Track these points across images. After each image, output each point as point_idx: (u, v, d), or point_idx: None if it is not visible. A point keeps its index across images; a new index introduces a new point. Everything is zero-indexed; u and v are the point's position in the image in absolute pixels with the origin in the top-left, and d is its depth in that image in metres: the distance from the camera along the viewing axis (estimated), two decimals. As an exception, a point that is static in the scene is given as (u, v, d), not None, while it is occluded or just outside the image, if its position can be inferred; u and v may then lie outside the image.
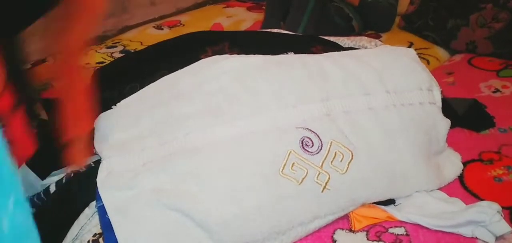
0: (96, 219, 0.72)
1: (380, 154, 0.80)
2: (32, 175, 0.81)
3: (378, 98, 0.84)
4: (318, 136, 0.79)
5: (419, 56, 1.00)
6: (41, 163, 0.78)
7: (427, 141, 0.86)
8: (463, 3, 1.42)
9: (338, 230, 0.79)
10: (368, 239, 0.77)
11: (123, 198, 0.71)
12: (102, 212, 0.71)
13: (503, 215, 0.77)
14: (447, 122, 0.90)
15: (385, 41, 1.54)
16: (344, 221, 0.80)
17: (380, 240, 0.76)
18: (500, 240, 0.76)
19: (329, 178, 0.76)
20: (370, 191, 0.80)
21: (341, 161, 0.78)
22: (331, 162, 0.77)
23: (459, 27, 1.41)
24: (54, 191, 0.79)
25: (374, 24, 1.62)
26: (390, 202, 0.83)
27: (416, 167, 0.82)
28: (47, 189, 0.79)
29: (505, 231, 0.75)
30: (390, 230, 0.78)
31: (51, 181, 0.81)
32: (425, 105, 0.87)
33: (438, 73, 1.27)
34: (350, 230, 0.79)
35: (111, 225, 0.69)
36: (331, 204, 0.77)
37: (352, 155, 0.78)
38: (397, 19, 1.64)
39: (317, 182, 0.76)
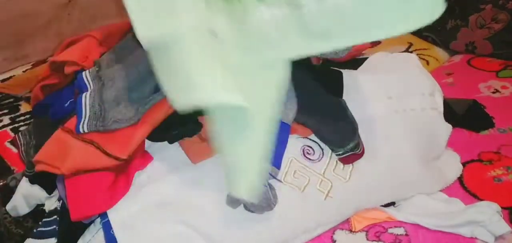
0: (101, 235, 0.72)
1: (382, 161, 0.80)
2: (37, 189, 0.82)
3: (380, 105, 0.84)
4: (319, 144, 0.79)
5: (418, 57, 1.00)
6: (47, 177, 0.77)
7: (428, 146, 0.86)
8: (462, 3, 1.43)
9: (338, 230, 0.79)
10: (367, 239, 0.77)
11: (128, 213, 0.70)
12: (107, 227, 0.70)
13: (502, 215, 0.77)
14: (448, 128, 0.91)
15: (385, 41, 1.53)
16: (344, 222, 0.80)
17: (379, 240, 0.77)
18: (499, 240, 0.76)
19: (331, 186, 0.76)
20: (373, 197, 0.80)
21: (343, 169, 0.78)
22: (333, 170, 0.77)
23: (458, 27, 1.41)
24: (59, 207, 0.79)
25: (373, 24, 1.62)
26: (390, 203, 0.83)
27: (418, 172, 0.82)
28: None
29: (504, 231, 0.75)
30: (390, 230, 0.78)
31: (56, 194, 0.81)
32: (427, 110, 0.87)
33: (437, 74, 1.27)
34: (350, 231, 0.79)
35: (116, 241, 0.69)
36: (334, 212, 0.77)
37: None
38: (397, 20, 1.64)
39: (319, 190, 0.75)
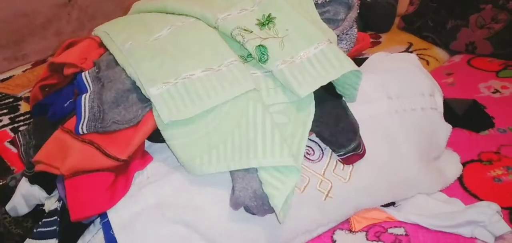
0: (101, 236, 0.72)
1: (382, 161, 0.80)
2: (37, 189, 0.82)
3: (380, 105, 0.84)
4: (319, 145, 0.79)
5: (418, 57, 1.00)
6: (47, 177, 0.77)
7: (428, 146, 0.86)
8: (462, 3, 1.43)
9: (338, 230, 0.79)
10: (367, 239, 0.77)
11: (128, 214, 0.70)
12: (106, 228, 0.70)
13: (502, 215, 0.77)
14: (448, 128, 0.91)
15: (385, 41, 1.54)
16: (344, 222, 0.80)
17: (379, 240, 0.77)
18: (499, 240, 0.76)
19: (331, 186, 0.76)
20: (373, 198, 0.80)
21: (343, 169, 0.78)
22: (333, 170, 0.77)
23: (458, 27, 1.41)
24: (59, 207, 0.79)
25: (373, 24, 1.62)
26: (390, 203, 0.83)
27: (418, 172, 0.82)
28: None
29: (504, 231, 0.75)
30: (390, 231, 0.78)
31: (56, 194, 0.81)
32: (427, 110, 0.87)
33: (437, 74, 1.27)
34: (350, 231, 0.79)
35: (116, 241, 0.69)
36: (334, 212, 0.77)
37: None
38: (397, 20, 1.64)
39: (319, 190, 0.75)
